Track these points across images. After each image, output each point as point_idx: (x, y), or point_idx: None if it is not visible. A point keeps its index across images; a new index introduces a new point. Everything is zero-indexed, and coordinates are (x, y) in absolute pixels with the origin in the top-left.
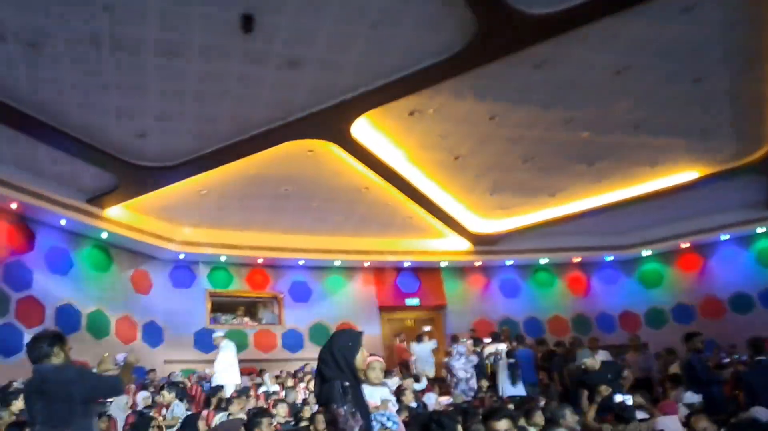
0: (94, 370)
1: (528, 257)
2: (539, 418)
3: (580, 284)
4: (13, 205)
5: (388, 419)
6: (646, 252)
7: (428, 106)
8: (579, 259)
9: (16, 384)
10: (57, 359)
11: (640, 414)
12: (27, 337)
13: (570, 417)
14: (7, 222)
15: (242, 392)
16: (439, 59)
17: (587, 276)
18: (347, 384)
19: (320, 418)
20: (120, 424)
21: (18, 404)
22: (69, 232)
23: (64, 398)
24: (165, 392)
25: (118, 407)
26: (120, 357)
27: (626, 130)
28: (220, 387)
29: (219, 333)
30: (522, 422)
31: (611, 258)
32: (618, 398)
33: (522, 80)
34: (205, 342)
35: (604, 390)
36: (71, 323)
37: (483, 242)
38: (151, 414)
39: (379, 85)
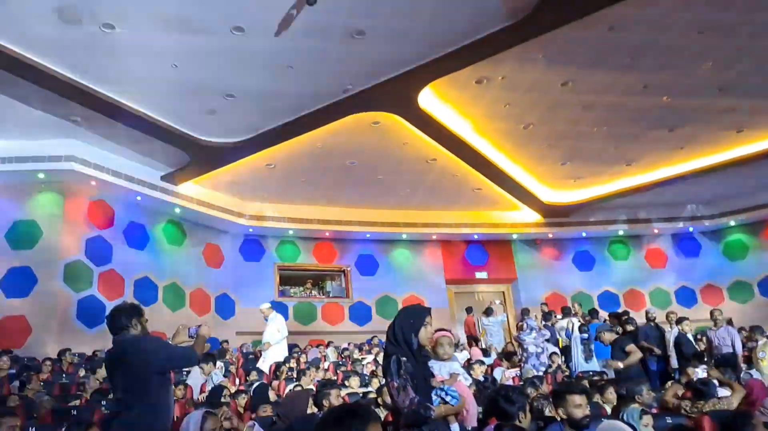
0: (170, 341)
1: (603, 229)
2: (611, 395)
3: (659, 256)
4: (93, 183)
5: (447, 393)
6: (730, 223)
7: (496, 73)
8: (657, 230)
9: (100, 354)
10: (135, 331)
11: (722, 391)
12: (109, 309)
13: (646, 393)
14: (88, 199)
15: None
16: (507, 24)
17: (666, 248)
18: (404, 359)
19: (387, 391)
20: (196, 392)
21: (102, 372)
22: (145, 208)
23: (141, 368)
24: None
25: (195, 376)
26: (193, 329)
27: (710, 93)
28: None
29: (266, 305)
30: (596, 398)
31: (692, 229)
32: (698, 373)
33: (596, 44)
34: None
35: (691, 372)
36: (149, 295)
37: (555, 213)
38: (224, 383)
39: (445, 53)
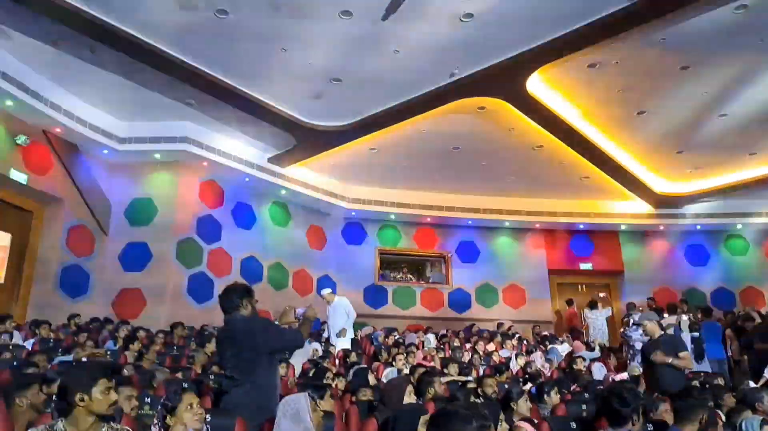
0: (277, 322)
1: (720, 221)
2: (730, 400)
3: None
4: (205, 163)
5: None
6: None
7: (611, 57)
8: None
9: (209, 329)
10: (245, 311)
11: None
12: (217, 286)
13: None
14: (198, 179)
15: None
16: (624, 5)
17: None
18: None
19: (489, 382)
20: (297, 370)
21: (211, 346)
22: (252, 189)
23: (250, 347)
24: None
25: (298, 355)
26: (300, 311)
27: None
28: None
29: (327, 290)
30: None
31: None
32: None
33: (721, 25)
34: (374, 297)
35: None
36: (254, 274)
37: (667, 204)
38: (325, 364)
39: (557, 36)
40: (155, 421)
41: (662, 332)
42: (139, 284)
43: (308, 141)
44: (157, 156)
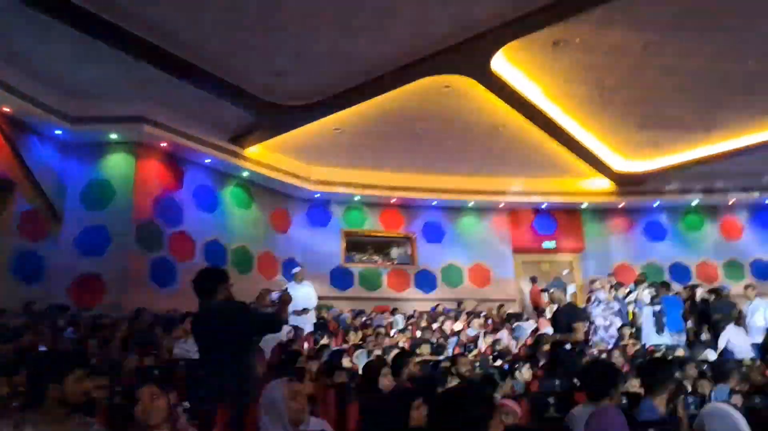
0: (252, 305)
1: (677, 198)
2: (692, 371)
3: (734, 228)
4: (164, 144)
5: None
6: None
7: (574, 35)
8: (734, 201)
9: (175, 315)
10: (221, 295)
11: None
12: (180, 271)
13: (738, 373)
14: (158, 160)
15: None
16: None
17: (742, 219)
18: None
19: (464, 361)
20: (267, 355)
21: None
22: (214, 171)
23: (228, 332)
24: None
25: (268, 338)
26: (275, 294)
27: None
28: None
29: (299, 269)
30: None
31: None
32: None
33: (682, 3)
34: (341, 279)
35: None
36: (218, 258)
37: (627, 182)
38: (295, 347)
39: (523, 13)
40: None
41: (568, 301)
42: (98, 270)
43: (270, 120)
44: (114, 137)
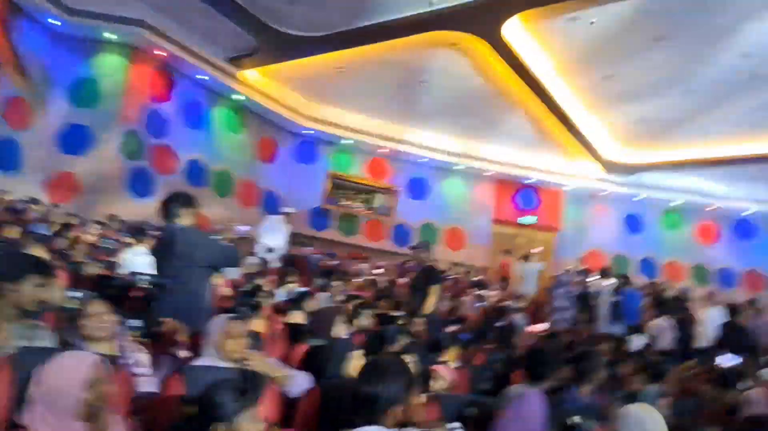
0: (216, 236)
1: (662, 195)
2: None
3: (711, 233)
4: (160, 52)
5: None
6: None
7: (592, 14)
8: (715, 208)
9: (146, 226)
10: (186, 221)
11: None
12: (160, 184)
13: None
14: (151, 68)
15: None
16: None
17: (720, 226)
18: None
19: (419, 321)
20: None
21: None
22: (207, 88)
23: (186, 258)
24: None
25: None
26: (242, 229)
27: None
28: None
29: (291, 208)
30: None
31: (752, 211)
32: (724, 360)
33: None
34: (319, 220)
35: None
36: (199, 177)
37: (617, 171)
38: (260, 281)
39: None
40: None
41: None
42: (76, 169)
43: (272, 47)
44: (109, 36)
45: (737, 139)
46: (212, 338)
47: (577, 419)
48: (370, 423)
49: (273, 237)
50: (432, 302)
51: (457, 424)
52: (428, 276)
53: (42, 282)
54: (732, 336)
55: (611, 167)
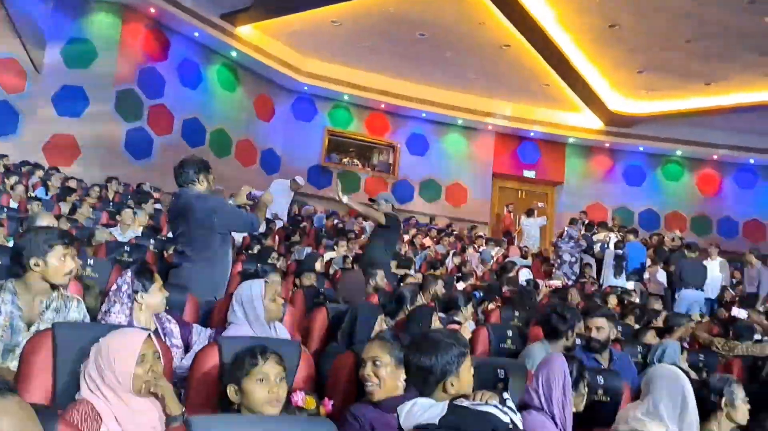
0: (231, 201)
1: (662, 146)
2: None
3: (712, 183)
4: (152, 10)
5: None
6: None
7: None
8: (717, 157)
9: (146, 188)
10: (201, 186)
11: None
12: (157, 144)
13: (686, 327)
14: (144, 27)
15: None
16: None
17: (721, 176)
18: None
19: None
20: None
21: (148, 207)
22: (201, 46)
23: (204, 226)
24: None
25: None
26: (256, 192)
27: None
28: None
29: (301, 181)
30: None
31: (753, 161)
32: (734, 312)
33: None
34: (318, 178)
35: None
36: (196, 138)
37: (618, 123)
38: (266, 242)
39: None
40: (122, 301)
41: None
42: (73, 131)
43: (267, 1)
44: None
45: (740, 87)
46: (250, 301)
47: (600, 379)
48: (421, 394)
49: (278, 202)
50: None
51: (506, 394)
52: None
53: (67, 253)
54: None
55: (611, 119)
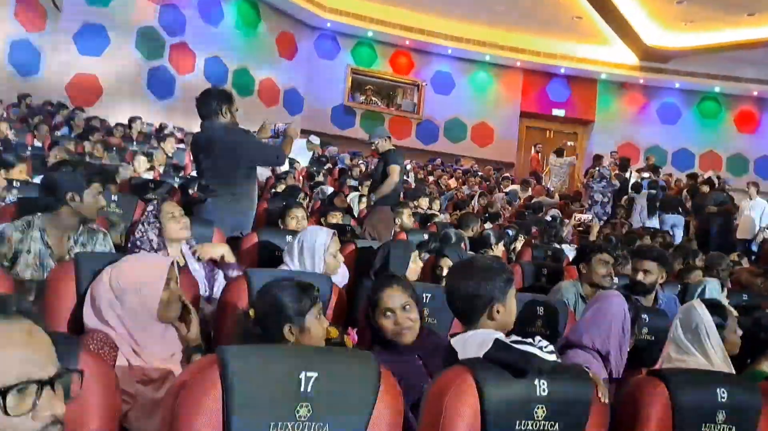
0: (255, 134)
1: (699, 82)
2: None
3: (750, 120)
4: None
5: None
6: None
7: None
8: (757, 93)
9: (169, 129)
10: (224, 119)
11: None
12: (179, 84)
13: (726, 267)
14: None
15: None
16: None
17: (760, 113)
18: None
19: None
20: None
21: (169, 145)
22: None
23: (229, 159)
24: None
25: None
26: (281, 126)
27: None
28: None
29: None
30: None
31: None
32: None
33: None
34: (342, 118)
35: None
36: (218, 77)
37: (653, 57)
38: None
39: None
40: (146, 232)
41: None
42: (95, 70)
43: None
44: None
45: None
46: (313, 249)
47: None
48: (470, 322)
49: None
50: (392, 181)
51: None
52: (386, 160)
53: (102, 190)
54: None
55: (646, 54)
